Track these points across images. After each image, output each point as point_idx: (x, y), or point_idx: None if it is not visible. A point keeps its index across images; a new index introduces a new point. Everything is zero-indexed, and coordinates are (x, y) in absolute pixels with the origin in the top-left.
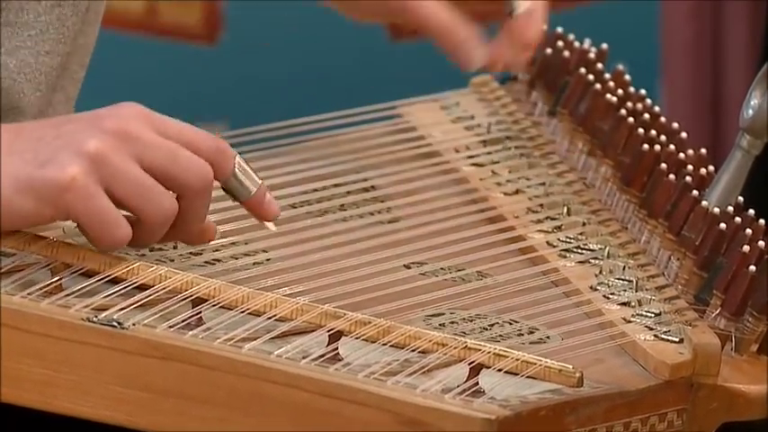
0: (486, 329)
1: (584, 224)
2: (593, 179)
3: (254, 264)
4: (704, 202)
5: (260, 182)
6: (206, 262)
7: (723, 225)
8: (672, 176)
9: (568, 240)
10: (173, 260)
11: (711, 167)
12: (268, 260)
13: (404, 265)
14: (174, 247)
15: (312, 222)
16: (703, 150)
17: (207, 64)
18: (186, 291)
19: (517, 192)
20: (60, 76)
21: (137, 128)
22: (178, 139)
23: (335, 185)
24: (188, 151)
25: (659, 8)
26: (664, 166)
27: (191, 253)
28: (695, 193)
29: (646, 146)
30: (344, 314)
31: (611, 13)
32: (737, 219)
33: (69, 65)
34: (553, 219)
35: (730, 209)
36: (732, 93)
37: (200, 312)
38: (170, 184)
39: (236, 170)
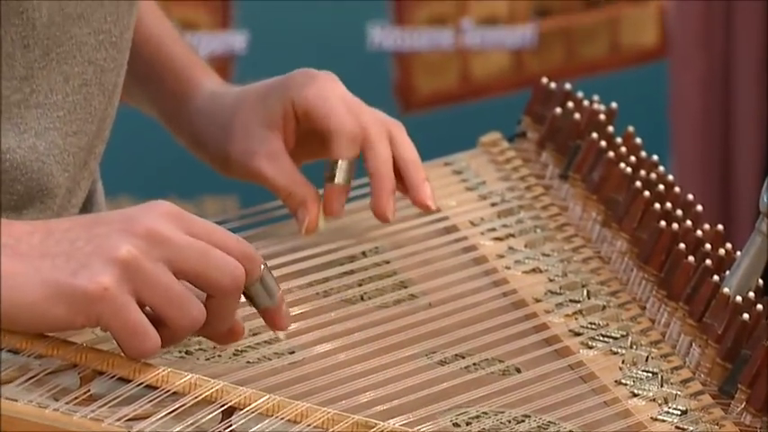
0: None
1: (603, 308)
2: (609, 252)
3: (282, 364)
4: (726, 289)
5: (279, 291)
6: (234, 354)
7: (746, 315)
8: (691, 258)
9: (591, 327)
10: (198, 358)
11: (729, 245)
12: (296, 361)
13: (430, 360)
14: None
15: (336, 316)
16: (720, 227)
17: None
18: (217, 401)
19: (535, 270)
20: (88, 155)
21: (168, 229)
22: (208, 239)
23: (352, 272)
24: (219, 252)
25: (669, 79)
26: (682, 246)
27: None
28: (715, 278)
29: (663, 223)
30: (376, 424)
31: (620, 84)
32: (759, 306)
33: (94, 142)
34: (573, 301)
35: (751, 294)
36: (742, 165)
37: (232, 424)
38: (201, 285)
39: (263, 275)
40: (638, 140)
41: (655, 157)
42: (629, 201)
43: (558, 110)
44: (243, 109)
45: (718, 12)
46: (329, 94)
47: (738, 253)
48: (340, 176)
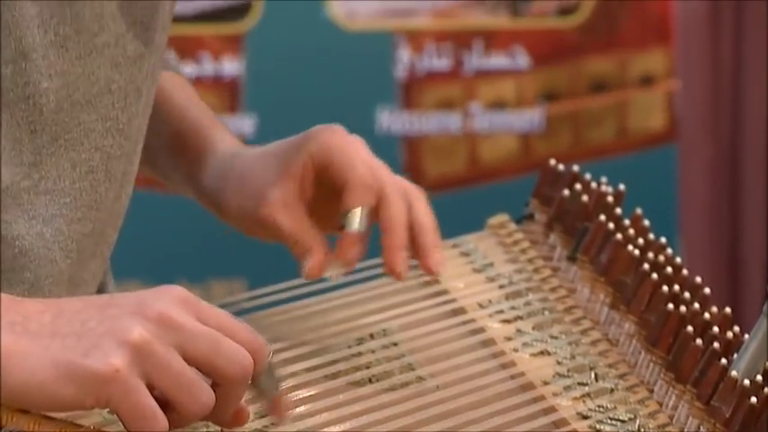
0: None
1: (611, 390)
2: (617, 334)
3: None
4: (734, 373)
5: (282, 384)
6: None
7: (754, 399)
8: (699, 341)
9: (599, 410)
10: None
11: (737, 328)
12: None
13: None
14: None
15: (344, 398)
16: (728, 310)
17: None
18: None
19: (543, 353)
20: (97, 243)
21: (180, 315)
22: (218, 327)
23: (360, 353)
24: (230, 341)
25: (676, 164)
26: (690, 329)
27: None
28: (723, 361)
29: (671, 305)
30: None
31: (627, 168)
32: (767, 390)
33: (104, 230)
34: (582, 384)
35: (759, 378)
36: (750, 249)
37: None
38: (210, 373)
39: (269, 367)
40: (646, 223)
41: (663, 240)
42: (637, 283)
43: (566, 192)
44: (261, 161)
45: (726, 97)
46: (350, 148)
47: (746, 336)
48: (355, 223)
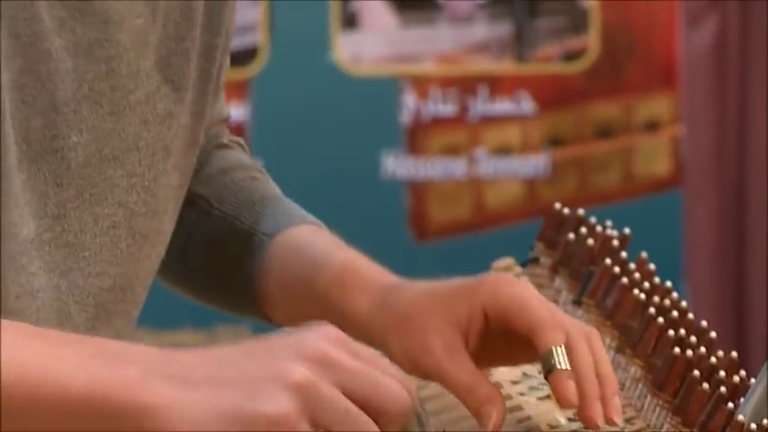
0: None
1: None
2: (623, 378)
3: None
4: (740, 417)
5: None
6: None
7: None
8: (705, 385)
9: None
10: None
11: (743, 372)
12: None
13: None
14: None
15: None
16: (734, 354)
17: None
18: None
19: (550, 396)
20: (119, 300)
21: (336, 353)
22: (370, 364)
23: None
24: (388, 378)
25: (682, 209)
26: (696, 373)
27: None
28: (730, 405)
29: (677, 349)
30: None
31: (633, 213)
32: None
33: (128, 287)
34: (588, 428)
35: (765, 422)
36: (756, 293)
37: None
38: (369, 409)
39: (419, 407)
40: (652, 266)
41: (668, 284)
42: (643, 327)
43: (572, 235)
44: (426, 303)
45: (731, 142)
46: (527, 295)
47: (753, 380)
48: (559, 362)
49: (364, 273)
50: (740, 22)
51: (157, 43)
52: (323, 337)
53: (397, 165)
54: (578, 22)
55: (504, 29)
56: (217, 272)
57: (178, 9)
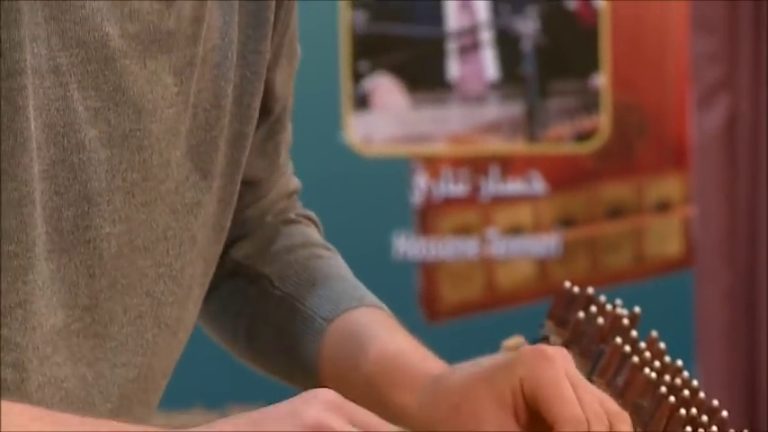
0: None
1: None
2: None
3: None
4: None
5: None
6: None
7: None
8: None
9: None
10: None
11: None
12: None
13: None
14: None
15: None
16: None
17: None
18: None
19: None
20: (144, 389)
21: (334, 420)
22: (367, 428)
23: None
24: None
25: (693, 290)
26: None
27: None
28: None
29: (688, 429)
30: None
31: (644, 293)
32: None
33: (152, 376)
34: None
35: None
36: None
37: None
38: None
39: None
40: (662, 345)
41: (679, 363)
42: (655, 406)
43: (581, 314)
44: (472, 389)
45: (743, 223)
46: (557, 382)
47: None
48: None
49: (410, 364)
50: (751, 103)
51: (187, 132)
52: (321, 404)
53: (408, 245)
54: (589, 103)
55: (515, 109)
56: (283, 354)
57: (208, 98)
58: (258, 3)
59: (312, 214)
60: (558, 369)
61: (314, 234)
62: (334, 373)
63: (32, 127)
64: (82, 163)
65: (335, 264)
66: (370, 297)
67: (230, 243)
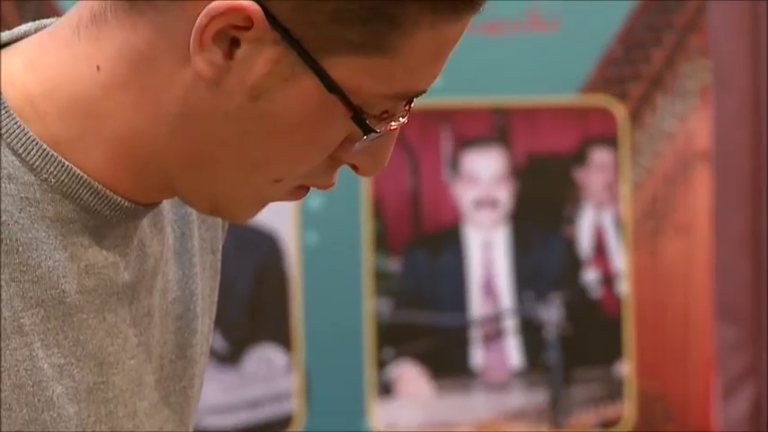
0: None
1: None
2: None
3: None
4: None
5: None
6: None
7: None
8: None
9: None
10: None
11: None
12: None
13: None
14: None
15: None
16: None
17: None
18: None
19: None
20: None
21: None
22: None
23: None
24: None
25: None
26: None
27: None
28: None
29: None
30: None
31: None
32: None
33: None
34: None
35: None
36: None
37: None
38: None
39: None
40: None
41: None
42: None
43: None
44: None
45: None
46: None
47: None
48: None
49: None
50: None
51: (155, 383)
52: None
53: None
54: (614, 391)
55: (539, 397)
56: None
57: (173, 349)
58: (216, 255)
59: None
60: None
61: None
62: None
63: (1, 389)
64: (53, 420)
65: None
66: None
67: None
